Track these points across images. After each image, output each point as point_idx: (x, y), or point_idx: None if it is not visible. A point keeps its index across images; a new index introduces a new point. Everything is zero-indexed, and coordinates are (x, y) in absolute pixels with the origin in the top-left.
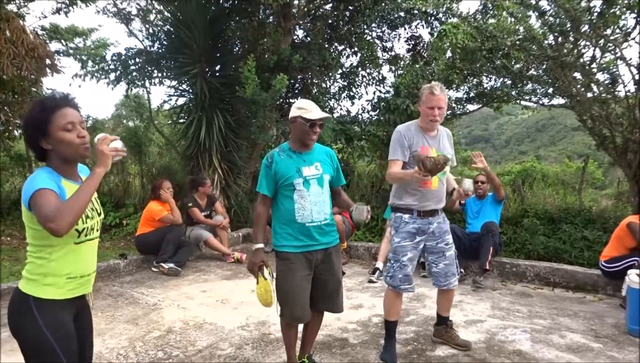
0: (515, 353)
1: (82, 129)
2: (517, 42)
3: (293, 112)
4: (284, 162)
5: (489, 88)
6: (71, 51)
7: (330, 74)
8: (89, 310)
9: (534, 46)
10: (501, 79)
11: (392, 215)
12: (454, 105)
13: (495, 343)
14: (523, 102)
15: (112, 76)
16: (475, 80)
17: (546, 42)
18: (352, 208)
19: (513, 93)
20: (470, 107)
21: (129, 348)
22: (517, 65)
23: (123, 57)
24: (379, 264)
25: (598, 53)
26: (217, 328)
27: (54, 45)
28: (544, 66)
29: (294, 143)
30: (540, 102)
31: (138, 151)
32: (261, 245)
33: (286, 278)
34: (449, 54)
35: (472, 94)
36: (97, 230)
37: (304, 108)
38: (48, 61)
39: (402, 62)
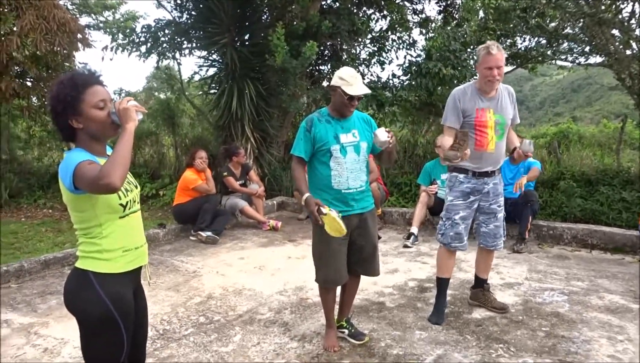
0: (553, 315)
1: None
2: (553, 0)
3: (335, 81)
4: (322, 126)
5: (523, 48)
6: (101, 25)
7: (360, 39)
8: (144, 293)
9: (569, 3)
10: (536, 39)
11: (448, 175)
12: None
13: (533, 305)
14: (558, 62)
15: (143, 48)
16: (508, 40)
17: None
18: (373, 138)
19: (548, 53)
20: (504, 69)
21: (172, 314)
22: (552, 24)
23: (153, 29)
24: (414, 229)
25: (637, 8)
26: (255, 293)
27: (84, 19)
28: (581, 24)
29: (333, 110)
30: (577, 61)
31: (171, 123)
32: (308, 193)
33: (322, 243)
34: (481, 14)
35: (505, 55)
36: (137, 202)
37: (346, 80)
38: (79, 35)
39: (433, 25)
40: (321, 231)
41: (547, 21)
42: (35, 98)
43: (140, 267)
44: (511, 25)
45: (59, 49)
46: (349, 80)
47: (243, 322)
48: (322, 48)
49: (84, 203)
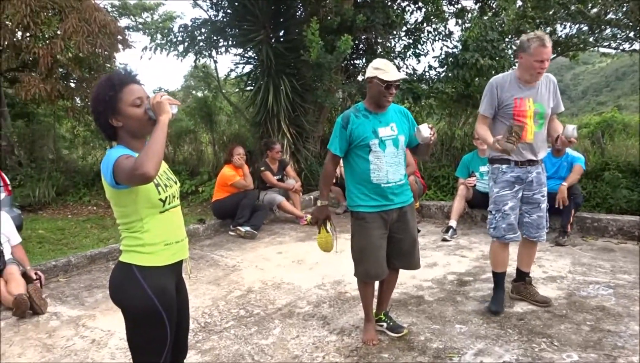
0: (598, 309)
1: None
2: None
3: (369, 72)
4: (360, 122)
5: (563, 36)
6: (140, 26)
7: (395, 32)
8: (185, 286)
9: None
10: (577, 26)
11: (489, 167)
12: None
13: (577, 299)
14: (601, 49)
15: (180, 48)
16: (548, 28)
17: None
18: (414, 132)
19: (590, 40)
20: None
21: (213, 307)
22: (594, 10)
23: (189, 28)
24: (452, 223)
25: None
26: (294, 287)
27: (124, 21)
28: (624, 8)
29: (370, 103)
30: (621, 47)
31: (208, 120)
32: (326, 202)
33: (362, 237)
34: (519, 2)
35: None
36: (177, 198)
37: (381, 68)
38: (119, 37)
39: (469, 15)
40: (360, 226)
41: (589, 7)
42: (78, 99)
43: (182, 261)
44: (551, 13)
45: (100, 50)
46: (384, 68)
47: (282, 315)
48: (356, 42)
49: (125, 198)
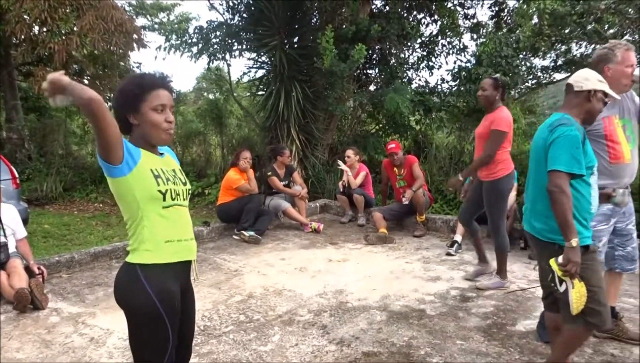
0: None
1: (170, 113)
2: (612, 5)
3: (593, 84)
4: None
5: (578, 55)
6: (156, 26)
7: (409, 44)
8: (192, 290)
9: (630, 9)
10: (592, 45)
11: None
12: (539, 73)
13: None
14: None
15: (195, 49)
16: (563, 47)
17: None
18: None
19: None
20: (558, 76)
21: (213, 311)
22: (611, 31)
23: (205, 30)
24: (458, 237)
25: None
26: (295, 295)
27: (140, 21)
28: None
29: (580, 119)
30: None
31: (219, 123)
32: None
33: (598, 277)
34: (535, 20)
35: (559, 62)
36: (185, 199)
37: (603, 81)
38: (135, 36)
39: (484, 30)
40: (594, 260)
41: (606, 27)
42: None
43: (188, 264)
44: (567, 31)
45: (115, 48)
46: (605, 81)
47: (282, 322)
48: (370, 52)
49: (122, 187)
